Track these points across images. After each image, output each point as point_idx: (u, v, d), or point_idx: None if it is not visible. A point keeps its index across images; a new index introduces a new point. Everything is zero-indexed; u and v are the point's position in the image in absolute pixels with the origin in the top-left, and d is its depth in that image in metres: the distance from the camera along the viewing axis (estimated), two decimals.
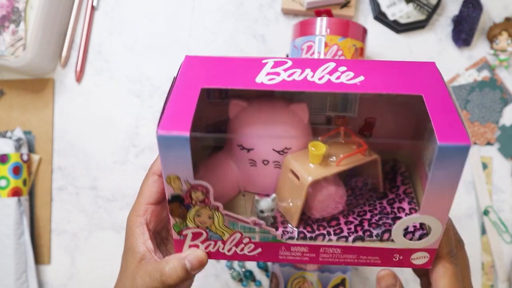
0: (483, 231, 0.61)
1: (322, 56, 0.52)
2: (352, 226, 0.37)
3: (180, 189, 0.32)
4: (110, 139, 0.63)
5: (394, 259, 0.36)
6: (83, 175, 0.63)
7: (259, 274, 0.61)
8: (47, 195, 0.63)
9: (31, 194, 0.63)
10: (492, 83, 0.63)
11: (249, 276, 0.60)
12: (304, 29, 0.54)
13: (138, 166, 0.63)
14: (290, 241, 0.35)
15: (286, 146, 0.37)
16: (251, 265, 0.61)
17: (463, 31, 0.61)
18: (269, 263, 0.59)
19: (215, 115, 0.40)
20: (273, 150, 0.37)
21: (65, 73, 0.64)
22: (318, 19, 0.54)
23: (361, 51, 0.54)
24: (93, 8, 0.64)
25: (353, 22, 0.54)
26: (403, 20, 0.62)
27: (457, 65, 0.63)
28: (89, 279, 0.63)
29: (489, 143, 0.62)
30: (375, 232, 0.36)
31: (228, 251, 0.36)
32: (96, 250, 0.63)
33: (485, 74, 0.63)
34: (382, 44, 0.63)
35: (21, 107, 0.64)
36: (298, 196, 0.36)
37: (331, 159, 0.36)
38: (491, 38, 0.62)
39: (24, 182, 0.61)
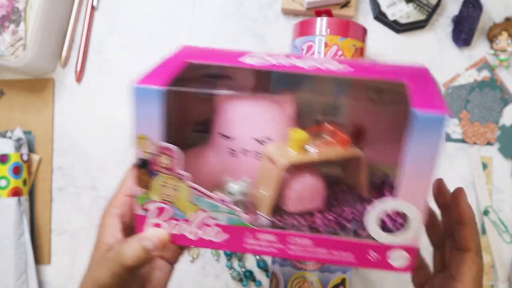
0: (483, 231, 0.61)
1: (322, 56, 0.52)
2: (327, 221, 0.35)
3: (148, 152, 0.31)
4: (110, 139, 0.63)
5: (369, 257, 0.33)
6: (83, 175, 0.63)
7: (259, 274, 0.61)
8: (47, 195, 0.63)
9: (31, 194, 0.63)
10: (492, 83, 0.63)
11: (249, 276, 0.60)
12: (304, 29, 0.54)
13: None
14: (256, 227, 0.33)
15: (267, 136, 0.36)
16: (251, 265, 0.61)
17: (463, 31, 0.61)
18: (269, 263, 0.59)
19: (204, 113, 0.39)
20: (254, 139, 0.36)
21: (65, 73, 0.64)
22: (318, 19, 0.54)
23: (361, 51, 0.54)
24: (93, 8, 0.64)
25: (353, 22, 0.54)
26: (403, 20, 0.62)
27: (457, 65, 0.63)
28: None
29: (489, 143, 0.62)
30: (351, 226, 0.34)
31: (193, 235, 0.34)
32: None
33: (485, 74, 0.63)
34: (382, 44, 0.63)
35: (21, 107, 0.64)
36: (273, 183, 0.34)
37: (310, 148, 0.35)
38: (491, 38, 0.62)
39: (24, 182, 0.61)
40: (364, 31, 0.55)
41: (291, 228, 0.34)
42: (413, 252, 0.32)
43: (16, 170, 0.60)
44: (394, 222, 0.33)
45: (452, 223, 0.39)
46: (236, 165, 0.37)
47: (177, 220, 0.34)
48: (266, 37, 0.63)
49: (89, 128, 0.64)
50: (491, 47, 0.63)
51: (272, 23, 0.64)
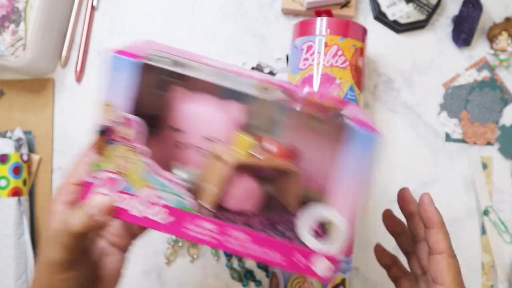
0: (483, 231, 0.61)
1: (322, 56, 0.52)
2: (260, 223, 0.37)
3: (112, 120, 0.33)
4: None
5: (295, 261, 0.35)
6: None
7: (259, 274, 0.61)
8: (47, 195, 0.63)
9: (31, 194, 0.63)
10: (492, 83, 0.63)
11: (249, 276, 0.60)
12: (304, 29, 0.54)
13: None
14: (201, 214, 0.35)
15: (215, 135, 0.39)
16: (251, 265, 0.61)
17: (463, 31, 0.61)
18: None
19: (154, 107, 0.40)
20: (202, 136, 0.39)
21: (65, 73, 0.64)
22: (318, 19, 0.54)
23: (361, 51, 0.54)
24: (93, 8, 0.64)
25: (353, 22, 0.54)
26: (403, 20, 0.62)
27: (457, 65, 0.63)
28: None
29: (489, 143, 0.62)
30: (282, 229, 0.36)
31: (138, 212, 0.35)
32: None
33: (485, 74, 0.63)
34: (382, 44, 0.63)
35: (21, 107, 0.64)
36: (218, 179, 0.37)
37: (255, 154, 0.38)
38: (491, 38, 0.62)
39: (24, 182, 0.61)
40: (364, 31, 0.55)
41: (230, 222, 0.35)
42: (336, 262, 0.34)
43: (16, 170, 0.60)
44: (323, 231, 0.36)
45: (419, 230, 0.42)
46: (178, 157, 0.39)
47: (125, 193, 0.34)
48: (266, 37, 0.63)
49: (89, 128, 0.63)
50: (491, 47, 0.63)
51: (272, 23, 0.64)
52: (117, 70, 0.32)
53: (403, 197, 0.43)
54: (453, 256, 0.37)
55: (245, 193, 0.38)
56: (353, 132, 0.32)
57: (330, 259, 0.34)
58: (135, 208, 0.35)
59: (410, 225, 0.43)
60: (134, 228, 0.42)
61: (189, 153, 0.39)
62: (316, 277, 0.35)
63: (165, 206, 0.35)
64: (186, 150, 0.39)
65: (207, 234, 0.35)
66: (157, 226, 0.35)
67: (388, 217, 0.45)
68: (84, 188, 0.35)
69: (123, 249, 0.42)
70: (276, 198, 0.41)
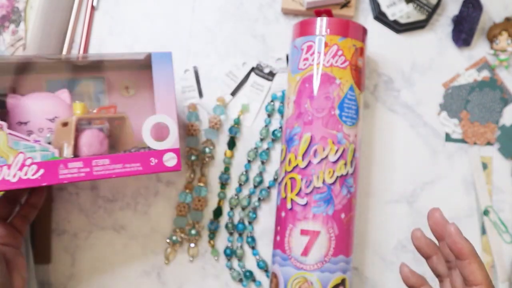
0: (483, 231, 0.61)
1: (322, 56, 0.52)
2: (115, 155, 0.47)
3: None
4: None
5: (151, 163, 0.45)
6: None
7: (259, 274, 0.61)
8: (47, 195, 0.63)
9: None
10: (492, 83, 0.63)
11: (249, 276, 0.60)
12: (304, 29, 0.54)
13: None
14: (67, 158, 0.44)
15: (56, 115, 0.49)
16: (251, 265, 0.61)
17: (463, 31, 0.61)
18: (269, 263, 0.59)
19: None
20: (46, 119, 0.49)
21: None
22: (318, 19, 0.54)
23: (361, 51, 0.54)
24: (93, 8, 0.64)
25: (353, 22, 0.54)
26: (403, 20, 0.62)
27: (457, 65, 0.63)
28: (89, 279, 0.63)
29: (489, 143, 0.62)
30: (133, 150, 0.47)
31: (14, 177, 0.41)
32: (96, 250, 0.63)
33: (485, 74, 0.63)
34: (382, 44, 0.63)
35: None
36: (69, 136, 0.46)
37: (91, 111, 0.51)
38: (491, 38, 0.62)
39: None
40: (364, 31, 0.55)
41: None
42: (177, 151, 0.46)
43: None
44: (161, 134, 0.47)
45: (452, 256, 0.39)
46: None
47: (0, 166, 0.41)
48: (266, 37, 0.63)
49: None
50: (491, 47, 0.63)
51: (272, 23, 0.64)
52: None
53: (433, 219, 0.40)
54: (490, 286, 0.36)
55: (90, 139, 0.47)
56: (153, 57, 0.47)
57: (173, 150, 0.46)
58: (10, 175, 0.41)
59: (442, 248, 0.41)
60: (18, 225, 0.49)
61: (42, 134, 0.49)
62: (168, 169, 0.45)
63: (35, 163, 0.42)
64: (38, 134, 0.49)
65: (76, 171, 0.43)
66: (31, 183, 0.42)
67: (418, 239, 0.43)
68: None
69: (17, 246, 0.49)
70: (120, 140, 0.52)
